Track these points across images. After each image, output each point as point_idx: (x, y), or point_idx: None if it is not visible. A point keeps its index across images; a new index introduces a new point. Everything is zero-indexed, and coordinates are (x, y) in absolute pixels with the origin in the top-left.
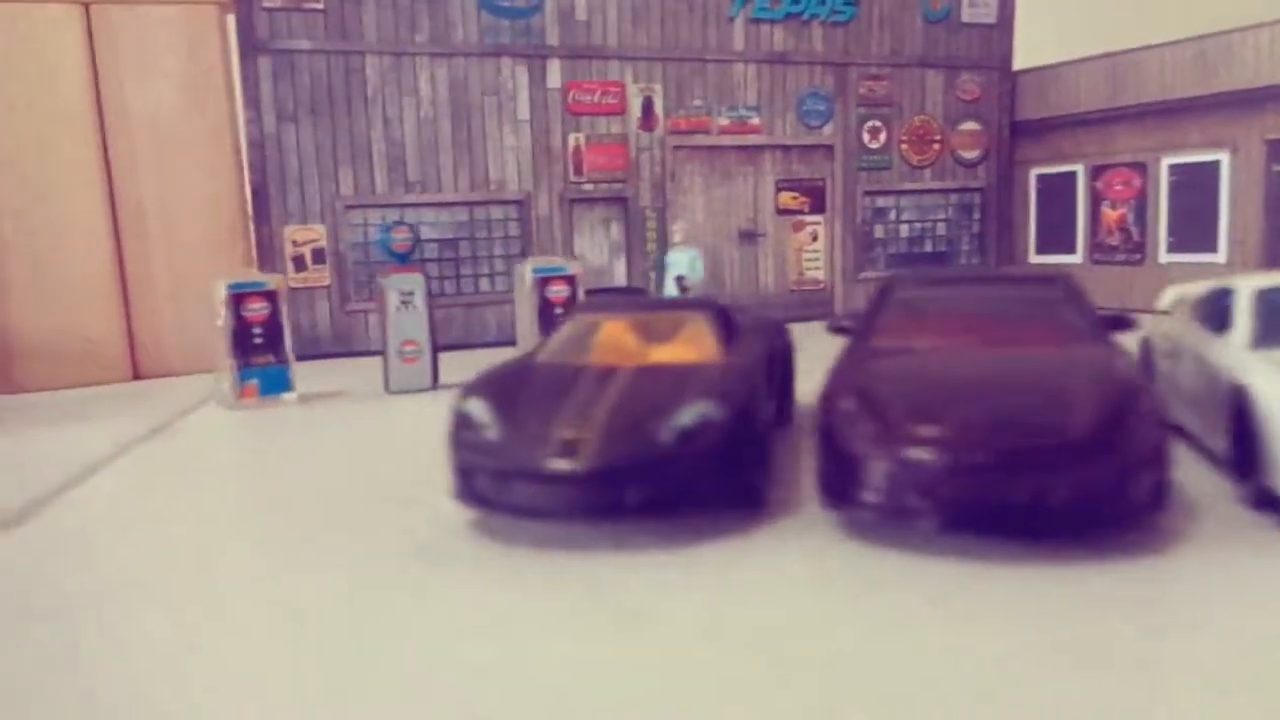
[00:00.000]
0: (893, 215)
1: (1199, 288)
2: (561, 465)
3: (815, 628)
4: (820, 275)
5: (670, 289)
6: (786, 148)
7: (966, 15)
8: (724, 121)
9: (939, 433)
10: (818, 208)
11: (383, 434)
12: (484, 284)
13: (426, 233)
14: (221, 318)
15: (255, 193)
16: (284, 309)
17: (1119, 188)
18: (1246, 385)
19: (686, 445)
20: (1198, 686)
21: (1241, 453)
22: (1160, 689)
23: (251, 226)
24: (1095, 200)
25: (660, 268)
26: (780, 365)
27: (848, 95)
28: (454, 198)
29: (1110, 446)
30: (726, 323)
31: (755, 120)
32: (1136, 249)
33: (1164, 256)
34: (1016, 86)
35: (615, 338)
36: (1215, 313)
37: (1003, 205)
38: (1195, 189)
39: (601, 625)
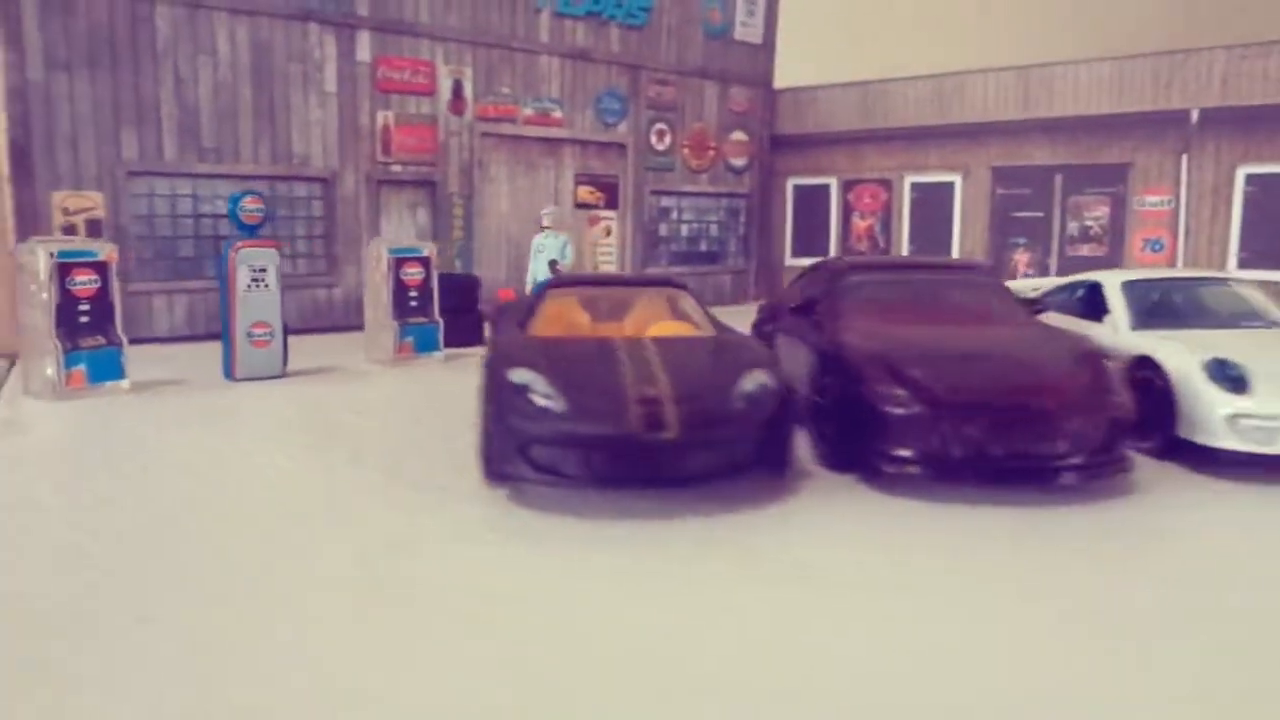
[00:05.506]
0: (674, 215)
1: (1046, 283)
2: (653, 434)
3: None
4: (613, 268)
5: (540, 275)
6: (585, 143)
7: (739, 34)
8: (529, 112)
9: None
10: (612, 203)
11: (266, 423)
12: (285, 266)
13: (223, 208)
14: (48, 291)
15: (15, 150)
16: (114, 282)
17: (868, 200)
18: (1154, 357)
19: (751, 412)
20: None
21: (1140, 414)
22: None
23: (9, 189)
24: (847, 210)
25: (465, 255)
26: None
27: (639, 97)
28: (253, 170)
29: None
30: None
31: (558, 114)
32: (882, 255)
33: None
34: (777, 103)
35: (604, 311)
36: (1081, 302)
37: (764, 211)
38: (933, 205)
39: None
